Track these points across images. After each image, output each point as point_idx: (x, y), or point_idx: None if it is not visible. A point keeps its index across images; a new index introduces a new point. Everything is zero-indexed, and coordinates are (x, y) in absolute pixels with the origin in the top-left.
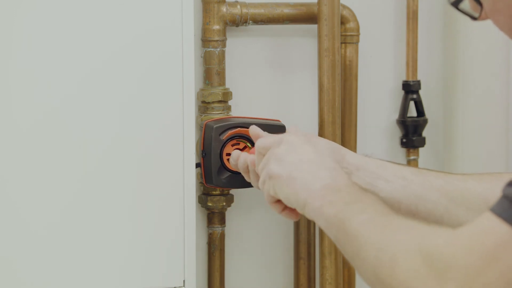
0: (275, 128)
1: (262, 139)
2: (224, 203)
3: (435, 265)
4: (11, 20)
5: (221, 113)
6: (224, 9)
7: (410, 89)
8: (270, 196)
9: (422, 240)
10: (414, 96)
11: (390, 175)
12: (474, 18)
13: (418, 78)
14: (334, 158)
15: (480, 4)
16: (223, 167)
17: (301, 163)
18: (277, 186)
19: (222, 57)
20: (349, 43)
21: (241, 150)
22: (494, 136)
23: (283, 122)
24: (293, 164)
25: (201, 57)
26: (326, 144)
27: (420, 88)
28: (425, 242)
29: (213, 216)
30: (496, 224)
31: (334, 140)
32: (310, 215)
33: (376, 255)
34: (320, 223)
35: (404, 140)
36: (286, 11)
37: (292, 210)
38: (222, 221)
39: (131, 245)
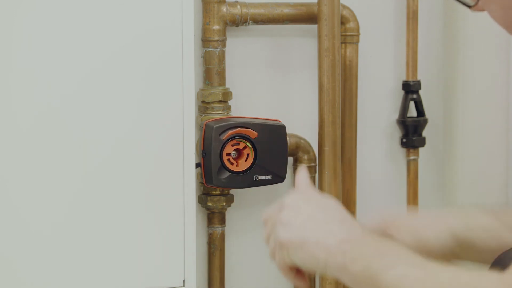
0: (275, 128)
1: (265, 211)
2: (224, 203)
3: None
4: (11, 20)
5: (221, 113)
6: (224, 9)
7: (410, 89)
8: (285, 264)
9: None
10: (414, 96)
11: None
12: (469, 7)
13: (418, 78)
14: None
15: None
16: (223, 167)
17: (309, 222)
18: (291, 253)
19: (222, 57)
20: (349, 43)
21: (241, 150)
22: (494, 136)
23: (283, 122)
24: (302, 226)
25: (201, 57)
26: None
27: (420, 88)
28: None
29: (213, 216)
30: None
31: (334, 141)
32: (333, 274)
33: None
34: (345, 280)
35: (404, 140)
36: (286, 11)
37: (303, 277)
38: (222, 221)
39: (131, 245)
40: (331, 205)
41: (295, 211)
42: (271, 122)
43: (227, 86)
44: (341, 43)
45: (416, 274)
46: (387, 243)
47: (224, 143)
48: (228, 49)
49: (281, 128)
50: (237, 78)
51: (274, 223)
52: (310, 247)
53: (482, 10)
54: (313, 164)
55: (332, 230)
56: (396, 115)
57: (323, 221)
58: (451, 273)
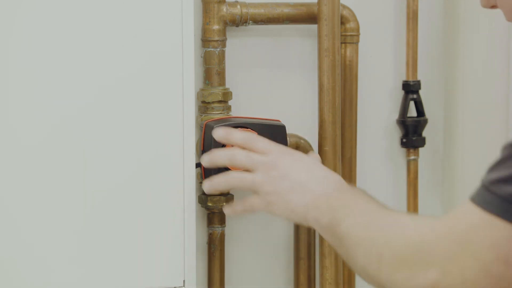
0: (275, 128)
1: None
2: (224, 203)
3: (418, 254)
4: (10, 23)
5: (221, 113)
6: (224, 9)
7: (410, 89)
8: (254, 207)
9: (406, 233)
10: (414, 96)
11: None
12: None
13: (418, 78)
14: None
15: None
16: (223, 167)
17: (296, 185)
18: (275, 210)
19: (222, 57)
20: (349, 43)
21: None
22: (494, 136)
23: (283, 122)
24: (289, 188)
25: (201, 57)
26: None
27: (420, 88)
28: (408, 234)
29: (213, 216)
30: (471, 208)
31: (334, 140)
32: (311, 226)
33: (364, 254)
34: (320, 232)
35: (404, 140)
36: (286, 11)
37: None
38: (222, 221)
39: (131, 245)
40: (311, 163)
41: (284, 174)
42: (271, 122)
43: (227, 86)
44: (341, 43)
45: (363, 221)
46: (353, 195)
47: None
48: (228, 49)
49: (281, 128)
50: (237, 78)
51: (264, 178)
52: (291, 203)
53: (495, 6)
54: None
55: (311, 187)
56: (396, 115)
57: (305, 181)
58: (394, 216)
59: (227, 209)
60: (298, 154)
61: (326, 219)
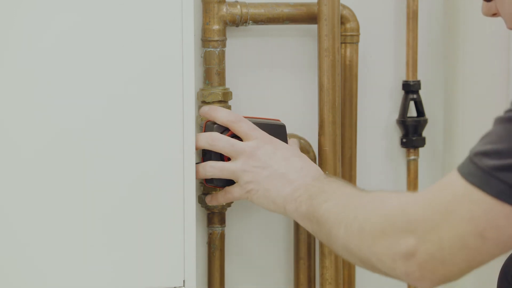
0: (275, 127)
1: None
2: (224, 203)
3: (399, 223)
4: (10, 23)
5: None
6: (224, 9)
7: (410, 89)
8: (232, 198)
9: (386, 205)
10: (414, 96)
11: None
12: (488, 0)
13: (418, 78)
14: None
15: None
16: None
17: (275, 175)
18: (255, 199)
19: (222, 57)
20: (349, 43)
21: None
22: None
23: (283, 122)
24: (268, 177)
25: (201, 57)
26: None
27: (420, 88)
28: (389, 206)
29: (213, 216)
30: (456, 178)
31: (334, 140)
32: (291, 217)
33: (344, 231)
34: (299, 222)
35: (404, 140)
36: (286, 11)
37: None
38: (222, 221)
39: (131, 245)
40: (296, 153)
41: (265, 165)
42: (271, 122)
43: (227, 86)
44: (341, 43)
45: (342, 201)
46: (331, 182)
47: None
48: (228, 49)
49: (281, 128)
50: (237, 78)
51: (245, 168)
52: (271, 193)
53: (497, 14)
54: None
55: (290, 178)
56: (396, 115)
57: (284, 172)
58: (374, 194)
59: (209, 200)
60: (278, 142)
61: (305, 207)
